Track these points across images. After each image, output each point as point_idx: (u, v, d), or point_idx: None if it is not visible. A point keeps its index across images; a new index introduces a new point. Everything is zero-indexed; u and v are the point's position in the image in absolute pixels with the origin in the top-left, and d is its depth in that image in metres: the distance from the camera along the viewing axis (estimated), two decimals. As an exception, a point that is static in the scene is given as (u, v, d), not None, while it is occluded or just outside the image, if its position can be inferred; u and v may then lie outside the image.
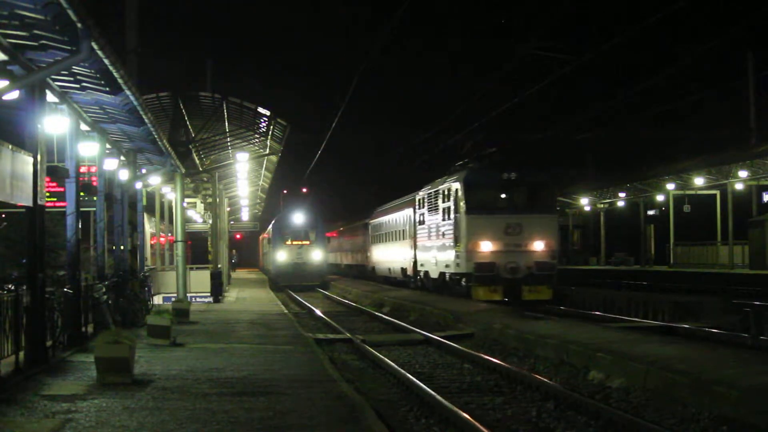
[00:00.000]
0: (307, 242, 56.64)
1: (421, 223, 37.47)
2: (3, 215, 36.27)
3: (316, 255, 56.38)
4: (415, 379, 14.95)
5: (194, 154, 35.03)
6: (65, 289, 17.33)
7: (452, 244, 31.57)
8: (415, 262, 39.44)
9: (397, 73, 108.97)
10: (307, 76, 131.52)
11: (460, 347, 19.51)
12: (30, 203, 14.46)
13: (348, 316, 32.28)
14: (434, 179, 37.19)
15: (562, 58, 30.45)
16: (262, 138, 37.66)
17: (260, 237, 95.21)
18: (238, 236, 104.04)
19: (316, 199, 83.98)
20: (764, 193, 50.20)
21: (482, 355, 18.22)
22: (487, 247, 30.04)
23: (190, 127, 33.56)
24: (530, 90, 33.49)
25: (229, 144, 38.39)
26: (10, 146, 13.81)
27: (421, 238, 37.59)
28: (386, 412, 12.81)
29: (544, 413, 12.68)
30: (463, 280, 30.90)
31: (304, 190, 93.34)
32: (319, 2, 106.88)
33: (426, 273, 36.91)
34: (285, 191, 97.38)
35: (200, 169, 38.23)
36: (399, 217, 44.05)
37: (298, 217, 57.53)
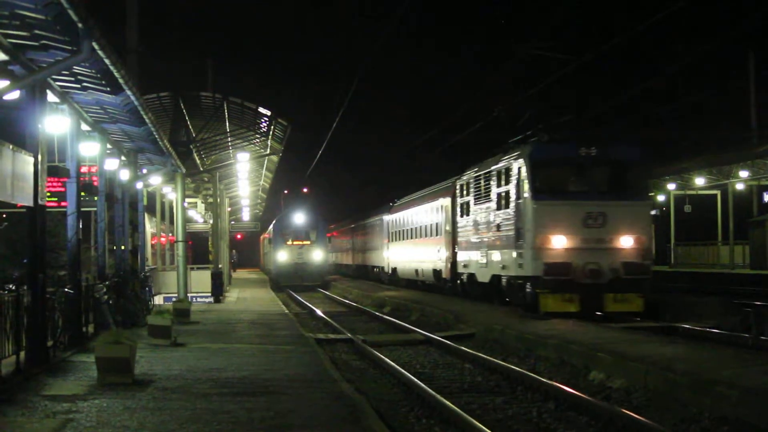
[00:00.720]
0: (308, 242, 56.72)
1: (465, 213, 30.89)
2: (4, 215, 36.33)
3: (317, 255, 56.45)
4: (415, 379, 14.95)
5: (195, 154, 35.02)
6: (66, 289, 17.33)
7: (512, 239, 24.96)
8: (453, 263, 33.08)
9: (397, 72, 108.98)
10: (307, 76, 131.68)
11: (461, 347, 19.51)
12: (31, 203, 14.47)
13: (349, 316, 32.29)
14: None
15: (562, 58, 30.34)
16: (263, 138, 37.66)
17: (261, 237, 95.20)
18: (238, 236, 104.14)
19: (317, 199, 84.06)
20: (765, 193, 50.18)
21: (483, 355, 18.24)
22: (560, 242, 23.22)
23: (190, 127, 33.57)
24: (530, 90, 33.33)
25: (229, 144, 38.39)
26: (11, 146, 13.84)
27: (463, 232, 31.06)
28: (387, 412, 12.82)
29: (545, 413, 12.70)
30: (528, 285, 23.97)
31: (305, 190, 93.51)
32: (319, 2, 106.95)
33: (470, 276, 30.40)
34: (286, 191, 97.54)
35: (201, 169, 38.23)
36: (430, 209, 37.68)
37: (299, 217, 57.59)
